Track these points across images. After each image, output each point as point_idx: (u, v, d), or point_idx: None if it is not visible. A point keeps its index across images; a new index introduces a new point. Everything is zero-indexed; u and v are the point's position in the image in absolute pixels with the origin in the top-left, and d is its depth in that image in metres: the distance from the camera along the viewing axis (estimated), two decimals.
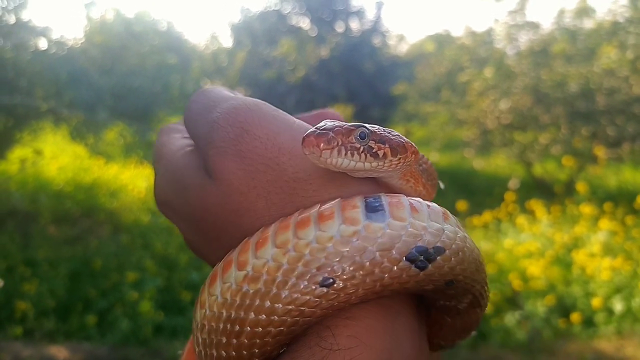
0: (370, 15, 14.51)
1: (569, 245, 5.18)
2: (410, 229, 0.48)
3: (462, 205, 6.11)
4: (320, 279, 0.48)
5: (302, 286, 0.48)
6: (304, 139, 0.50)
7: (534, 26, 9.02)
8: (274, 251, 0.49)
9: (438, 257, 0.49)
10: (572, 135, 7.89)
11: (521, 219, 5.86)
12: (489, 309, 4.25)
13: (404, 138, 0.56)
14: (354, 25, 14.26)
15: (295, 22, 13.92)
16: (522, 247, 5.17)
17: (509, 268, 4.89)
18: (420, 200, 0.51)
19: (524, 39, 9.04)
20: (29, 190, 7.44)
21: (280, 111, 0.58)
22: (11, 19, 6.21)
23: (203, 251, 0.62)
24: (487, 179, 8.54)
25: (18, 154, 7.35)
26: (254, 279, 0.49)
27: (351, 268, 0.48)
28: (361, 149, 0.52)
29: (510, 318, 4.27)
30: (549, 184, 7.78)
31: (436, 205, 0.53)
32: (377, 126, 0.56)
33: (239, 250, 0.52)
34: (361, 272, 0.48)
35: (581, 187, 6.28)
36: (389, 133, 0.56)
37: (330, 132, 0.51)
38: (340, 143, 0.51)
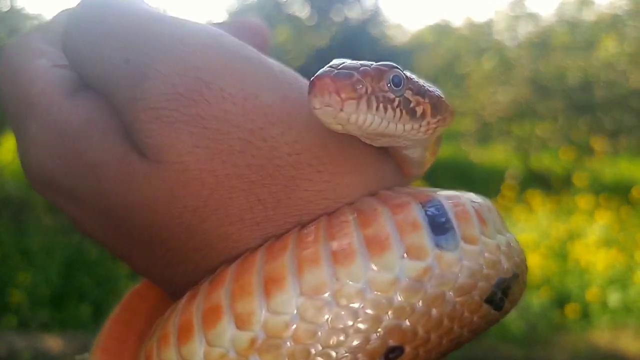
0: (369, 4, 14.43)
1: (565, 237, 5.18)
2: (487, 255, 0.35)
3: None
4: (385, 349, 0.32)
5: None
6: (314, 82, 0.33)
7: (534, 17, 8.97)
8: (301, 301, 0.32)
9: (513, 287, 0.37)
10: (570, 128, 7.88)
11: (518, 211, 5.85)
12: None
13: (439, 90, 0.41)
14: (353, 14, 14.17)
15: (292, 11, 13.82)
16: (518, 238, 5.13)
17: None
18: (478, 198, 0.39)
19: (524, 30, 9.00)
20: (23, 179, 7.40)
21: (255, 51, 0.38)
22: (5, 6, 6.14)
23: (131, 261, 0.42)
24: (485, 171, 8.52)
25: (12, 142, 7.30)
26: (269, 347, 0.32)
27: (426, 328, 0.33)
28: (396, 102, 0.36)
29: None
30: (546, 176, 7.78)
31: (484, 199, 0.40)
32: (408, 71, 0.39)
33: (230, 293, 0.33)
34: (438, 333, 0.34)
35: (578, 179, 6.27)
36: (424, 82, 0.40)
37: (356, 73, 0.34)
38: (370, 90, 0.34)
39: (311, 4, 13.82)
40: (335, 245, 0.33)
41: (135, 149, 0.36)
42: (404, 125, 0.36)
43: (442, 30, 11.29)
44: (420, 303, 0.32)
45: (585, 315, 4.30)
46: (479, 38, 9.38)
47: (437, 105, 0.39)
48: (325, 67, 0.35)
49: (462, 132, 9.14)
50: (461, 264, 0.33)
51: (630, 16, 8.02)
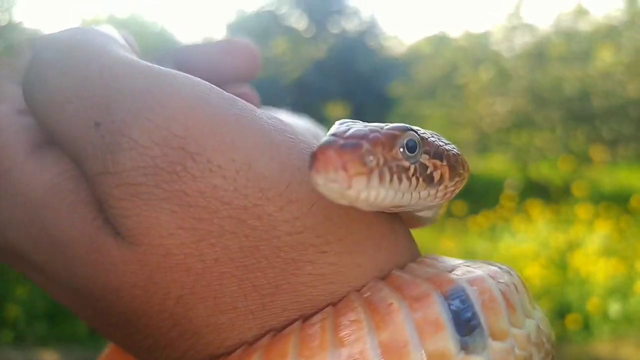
0: (365, 16, 14.51)
1: (564, 247, 5.16)
2: (518, 352, 0.30)
3: (458, 206, 6.09)
4: None
5: None
6: (316, 155, 0.28)
7: (531, 28, 9.02)
8: None
9: None
10: (568, 137, 7.90)
11: (517, 221, 5.84)
12: None
13: (455, 147, 0.37)
14: (350, 26, 14.24)
15: (290, 23, 13.89)
16: (518, 248, 5.15)
17: None
18: (504, 276, 0.33)
19: (521, 41, 9.04)
20: None
21: (246, 107, 0.32)
22: (3, 20, 6.16)
23: (110, 337, 0.37)
24: (484, 181, 8.52)
25: None
26: None
27: None
28: (412, 170, 0.31)
29: None
30: (545, 186, 7.77)
31: (510, 270, 0.35)
32: (420, 129, 0.34)
33: None
34: None
35: (577, 188, 6.27)
36: (439, 138, 0.36)
37: (364, 142, 0.28)
38: (382, 161, 0.29)
39: (308, 16, 13.90)
40: (345, 354, 0.28)
41: (109, 224, 0.31)
42: (419, 193, 0.31)
43: (440, 42, 11.33)
44: None
45: (586, 326, 4.27)
46: (476, 49, 9.42)
47: (455, 167, 0.34)
48: (329, 135, 0.29)
49: (460, 142, 9.16)
50: None
51: (626, 26, 8.07)
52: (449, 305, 0.29)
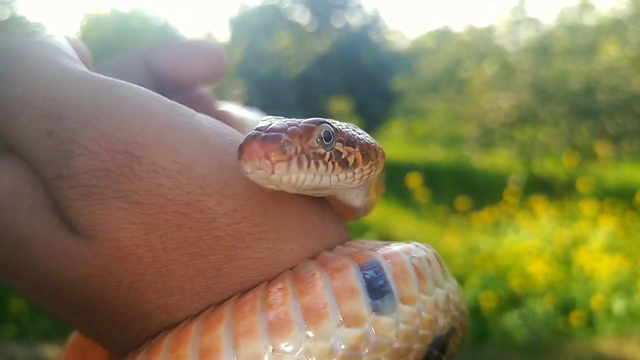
0: (369, 10, 14.46)
1: (569, 243, 5.15)
2: (424, 315, 0.35)
3: (462, 202, 6.07)
4: None
5: None
6: (242, 147, 0.33)
7: (535, 22, 8.97)
8: None
9: (450, 342, 0.38)
10: (573, 133, 7.86)
11: (521, 217, 5.82)
12: (489, 309, 4.22)
13: (368, 136, 0.42)
14: (353, 20, 14.19)
15: (293, 17, 13.85)
16: (521, 245, 5.13)
17: (508, 266, 4.85)
18: (419, 251, 0.39)
19: (525, 35, 8.99)
20: None
21: (188, 113, 0.36)
22: (5, 14, 6.15)
23: (73, 325, 0.41)
24: (488, 176, 8.50)
25: None
26: None
27: None
28: (327, 156, 0.36)
29: (510, 318, 4.23)
30: (549, 181, 7.75)
31: (429, 249, 0.40)
32: (336, 121, 0.40)
33: None
34: None
35: (582, 184, 6.24)
36: (353, 129, 0.40)
37: (284, 134, 0.34)
38: (299, 150, 0.34)
39: (312, 10, 13.85)
40: (272, 315, 0.32)
41: (65, 223, 0.34)
42: (337, 176, 0.37)
43: (443, 36, 11.29)
44: None
45: (590, 322, 4.26)
46: (480, 43, 9.37)
47: (367, 152, 0.40)
48: (253, 129, 0.34)
49: (464, 137, 9.12)
50: (397, 328, 0.34)
51: (631, 20, 8.01)
52: (364, 274, 0.35)
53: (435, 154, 9.46)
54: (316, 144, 0.36)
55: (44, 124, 0.33)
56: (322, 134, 0.36)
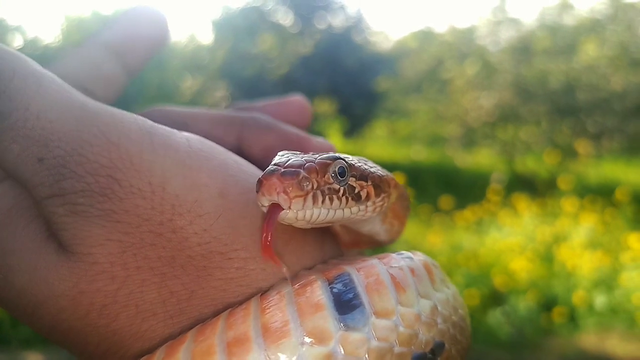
0: (352, 12, 14.48)
1: (551, 240, 5.20)
2: (402, 329, 0.33)
3: (445, 201, 6.11)
4: None
5: None
6: (261, 181, 0.34)
7: (516, 23, 9.06)
8: None
9: (438, 359, 0.35)
10: (554, 131, 7.95)
11: (503, 215, 5.87)
12: (473, 307, 4.25)
13: (381, 169, 0.43)
14: (336, 22, 14.21)
15: (276, 19, 13.83)
16: (504, 242, 5.17)
17: (491, 264, 4.89)
18: (400, 261, 0.37)
19: (506, 35, 9.08)
20: None
21: (165, 133, 0.38)
22: None
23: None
24: (470, 175, 8.56)
25: None
26: None
27: None
28: (341, 192, 0.37)
29: (494, 315, 4.26)
30: (531, 179, 7.83)
31: (417, 257, 0.38)
32: (349, 156, 0.40)
33: None
34: None
35: (563, 182, 6.32)
36: (365, 163, 0.41)
37: (302, 170, 0.35)
38: (315, 185, 0.35)
39: (295, 11, 13.83)
40: (231, 335, 0.31)
41: (53, 238, 0.36)
42: (350, 209, 0.37)
43: (425, 37, 11.35)
44: None
45: (572, 318, 4.30)
46: (461, 43, 9.44)
47: (379, 185, 0.40)
48: (271, 164, 0.35)
49: (446, 137, 9.18)
50: (369, 345, 0.31)
51: (610, 20, 8.13)
52: (332, 288, 0.33)
53: (419, 153, 9.51)
54: (331, 180, 0.36)
55: (35, 152, 0.35)
56: (336, 169, 0.37)
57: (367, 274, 0.34)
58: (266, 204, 0.34)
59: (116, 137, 0.36)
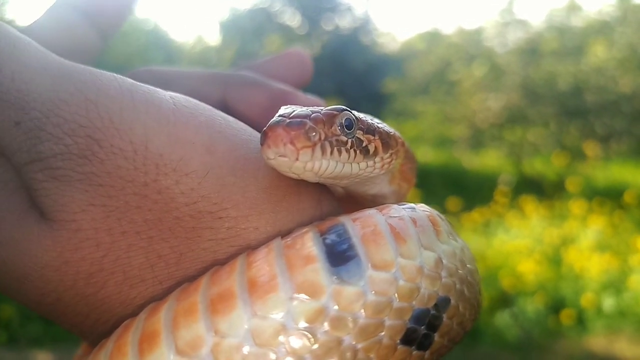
0: (359, 13, 14.48)
1: (558, 242, 5.18)
2: (402, 283, 0.30)
3: (453, 202, 6.10)
4: None
5: None
6: (266, 133, 0.32)
7: (524, 24, 9.03)
8: None
9: (444, 316, 0.32)
10: (562, 133, 7.92)
11: (511, 217, 5.85)
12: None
13: (387, 125, 0.42)
14: (344, 23, 14.22)
15: (283, 20, 13.85)
16: (512, 244, 5.16)
17: (499, 266, 4.87)
18: (400, 211, 0.34)
19: (514, 37, 9.05)
20: None
21: (146, 90, 0.36)
22: None
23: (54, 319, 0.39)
24: (478, 177, 8.54)
25: None
26: None
27: None
28: (349, 144, 0.35)
29: (501, 317, 4.25)
30: (539, 181, 7.80)
31: (420, 208, 0.36)
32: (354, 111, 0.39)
33: (109, 355, 0.31)
34: None
35: (571, 184, 6.29)
36: (371, 119, 0.40)
37: (308, 120, 0.33)
38: (323, 136, 0.33)
39: (302, 13, 13.85)
40: (214, 292, 0.29)
41: (35, 208, 0.35)
42: (358, 164, 0.36)
43: (433, 38, 11.34)
44: (309, 356, 0.27)
45: (580, 320, 4.28)
46: (469, 45, 9.42)
47: (387, 141, 0.39)
48: (276, 116, 0.34)
49: (454, 138, 9.16)
50: (365, 299, 0.28)
51: (618, 22, 8.10)
52: (324, 239, 0.31)
53: (426, 155, 9.49)
54: (338, 131, 0.35)
55: (11, 115, 0.34)
56: (343, 121, 0.35)
57: (363, 224, 0.32)
58: (272, 156, 0.32)
59: (94, 95, 0.34)
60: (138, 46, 8.90)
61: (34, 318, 4.14)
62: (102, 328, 0.35)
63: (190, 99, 0.37)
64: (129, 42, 8.71)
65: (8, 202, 0.35)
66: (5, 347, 3.85)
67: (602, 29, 8.17)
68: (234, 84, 0.47)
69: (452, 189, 7.61)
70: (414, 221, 0.33)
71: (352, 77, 12.98)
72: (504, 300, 4.49)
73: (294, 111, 0.34)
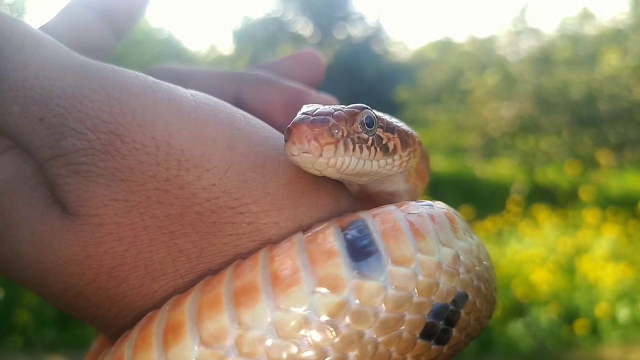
0: (371, 22, 14.53)
1: (572, 251, 5.14)
2: (422, 278, 0.31)
3: (465, 211, 6.08)
4: None
5: None
6: (290, 130, 0.33)
7: (536, 33, 9.01)
8: (200, 352, 0.29)
9: (462, 312, 0.33)
10: (575, 142, 7.87)
11: (524, 226, 5.82)
12: (493, 318, 4.21)
13: (405, 124, 0.43)
14: (355, 32, 14.27)
15: (296, 30, 13.93)
16: (525, 254, 5.13)
17: (512, 275, 4.84)
18: (419, 208, 0.35)
19: (526, 45, 9.03)
20: None
21: (166, 88, 0.37)
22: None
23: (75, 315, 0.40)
24: (490, 186, 8.50)
25: None
26: None
27: None
28: (370, 141, 0.36)
29: (515, 327, 4.22)
30: (552, 190, 7.75)
31: (438, 205, 0.37)
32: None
33: (133, 346, 0.31)
34: None
35: (584, 193, 6.25)
36: (390, 118, 0.42)
37: (331, 118, 0.34)
38: (345, 133, 0.35)
39: (314, 22, 13.93)
40: (238, 284, 0.29)
41: (58, 203, 0.35)
42: (378, 162, 0.37)
43: (445, 47, 11.34)
44: (331, 349, 0.28)
45: (595, 331, 4.24)
46: (481, 54, 9.41)
47: (405, 139, 0.40)
48: (299, 113, 0.35)
49: (466, 147, 9.14)
50: (385, 294, 0.29)
51: (632, 30, 8.05)
52: (345, 235, 0.31)
53: (438, 164, 9.47)
54: (359, 129, 0.36)
55: (35, 112, 0.35)
56: (364, 119, 0.36)
57: (383, 220, 0.32)
58: (296, 152, 0.33)
59: (117, 92, 0.35)
60: (152, 55, 9.00)
61: (49, 323, 4.18)
62: (122, 321, 0.36)
63: (210, 97, 0.38)
64: (143, 51, 8.81)
65: (31, 197, 0.36)
66: (21, 352, 3.89)
67: (615, 37, 8.12)
68: (248, 83, 0.48)
69: (465, 197, 7.58)
70: (432, 218, 0.34)
71: (364, 86, 13.00)
72: (517, 310, 4.46)
73: (317, 109, 0.35)
